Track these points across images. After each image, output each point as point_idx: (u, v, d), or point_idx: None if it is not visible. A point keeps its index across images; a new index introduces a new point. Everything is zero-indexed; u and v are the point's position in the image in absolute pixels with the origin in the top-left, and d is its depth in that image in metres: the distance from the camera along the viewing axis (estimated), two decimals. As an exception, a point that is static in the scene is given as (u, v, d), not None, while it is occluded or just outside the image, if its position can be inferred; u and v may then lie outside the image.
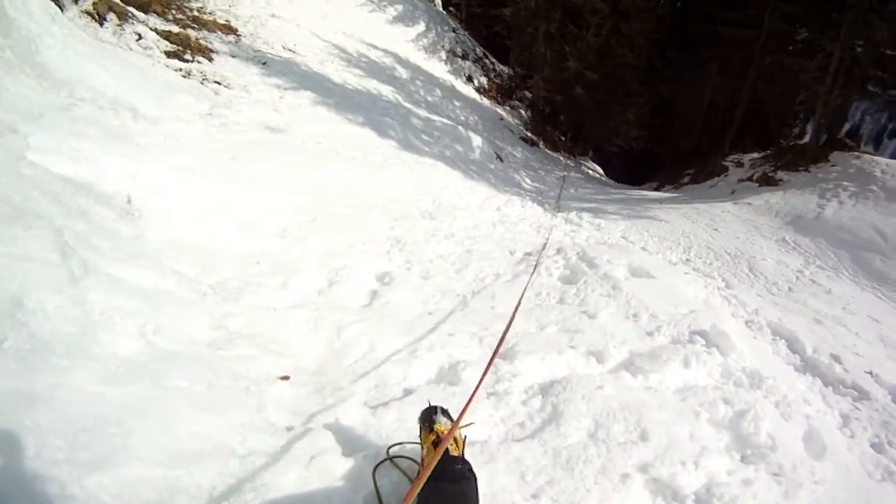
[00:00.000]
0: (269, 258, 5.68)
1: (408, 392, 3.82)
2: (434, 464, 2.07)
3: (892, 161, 13.77)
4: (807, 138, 18.04)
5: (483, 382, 3.83)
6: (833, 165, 14.46)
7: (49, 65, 7.16)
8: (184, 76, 9.68)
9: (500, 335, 4.03)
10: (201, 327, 3.96)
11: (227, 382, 3.35)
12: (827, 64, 16.44)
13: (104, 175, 5.57)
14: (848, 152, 15.14)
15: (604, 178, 24.71)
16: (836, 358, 6.10)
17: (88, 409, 2.59)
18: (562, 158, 22.68)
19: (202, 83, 9.84)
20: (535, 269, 6.81)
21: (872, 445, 4.71)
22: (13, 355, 2.67)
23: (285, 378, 3.66)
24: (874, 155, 15.07)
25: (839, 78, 16.22)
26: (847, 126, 33.67)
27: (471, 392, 2.83)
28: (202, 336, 3.86)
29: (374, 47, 19.78)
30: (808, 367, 5.93)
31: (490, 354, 3.28)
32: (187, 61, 10.23)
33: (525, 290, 5.82)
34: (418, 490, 1.94)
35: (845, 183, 12.98)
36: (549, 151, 22.94)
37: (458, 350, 4.46)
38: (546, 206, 12.94)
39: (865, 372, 5.97)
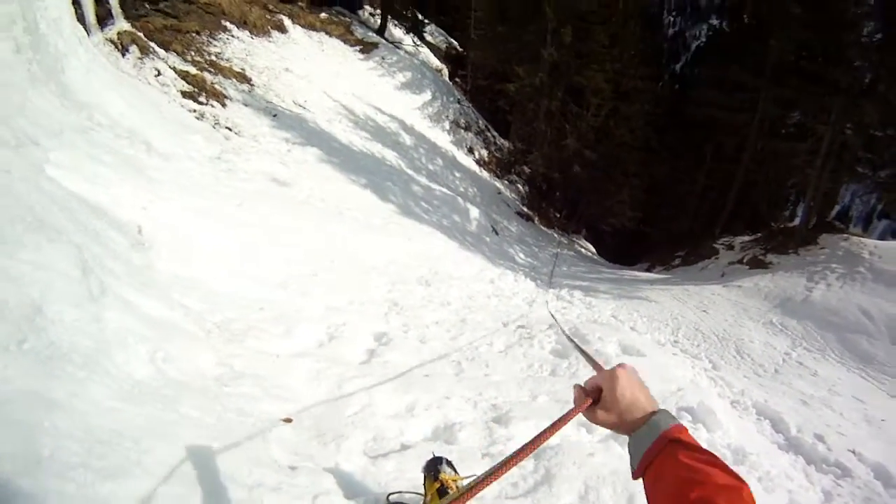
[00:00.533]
0: (271, 306, 5.70)
1: (405, 446, 3.83)
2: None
3: (880, 242, 14.24)
4: (797, 221, 18.47)
5: (478, 444, 3.88)
6: (822, 248, 14.88)
7: (72, 86, 7.28)
8: (197, 118, 9.84)
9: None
10: (208, 362, 3.96)
11: (233, 417, 3.34)
12: (818, 147, 16.97)
13: (117, 202, 5.61)
14: (837, 234, 15.60)
15: (596, 257, 25.03)
16: (820, 437, 6.26)
17: (104, 422, 2.58)
18: (556, 235, 22.99)
19: (214, 127, 10.00)
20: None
21: None
22: (33, 358, 2.66)
23: (288, 420, 3.66)
24: (863, 236, 15.48)
25: (829, 160, 16.72)
26: (837, 208, 34.36)
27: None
28: (209, 371, 3.86)
29: (381, 111, 20.22)
30: (791, 445, 6.05)
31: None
32: (201, 104, 10.41)
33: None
34: None
35: (833, 265, 13.32)
36: (543, 227, 23.30)
37: (453, 412, 4.48)
38: (539, 281, 13.10)
39: (849, 450, 6.12)
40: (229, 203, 7.63)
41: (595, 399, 1.28)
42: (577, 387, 1.35)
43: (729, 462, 4.54)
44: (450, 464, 3.05)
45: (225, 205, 7.48)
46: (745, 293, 13.61)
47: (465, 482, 2.98)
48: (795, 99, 18.41)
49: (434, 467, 2.97)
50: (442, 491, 2.78)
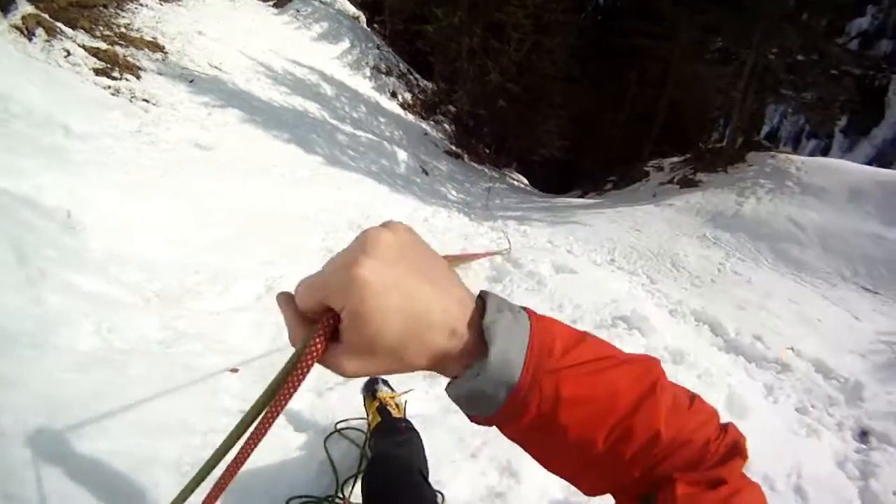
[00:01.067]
0: (207, 268, 5.88)
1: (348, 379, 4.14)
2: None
3: (807, 158, 14.86)
4: (725, 142, 19.10)
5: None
6: (750, 165, 15.49)
7: None
8: (113, 94, 9.73)
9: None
10: (151, 328, 4.20)
11: (181, 373, 3.61)
12: (741, 71, 17.49)
13: (42, 190, 5.66)
14: (764, 152, 16.22)
15: (529, 188, 25.41)
16: (758, 338, 6.75)
17: (59, 392, 2.84)
18: (486, 170, 23.25)
19: (131, 101, 9.91)
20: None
21: (797, 409, 5.32)
22: (-19, 346, 2.89)
23: (234, 371, 3.94)
24: (792, 154, 16.07)
25: (753, 83, 17.28)
26: (766, 129, 35.34)
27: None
28: (153, 335, 4.11)
29: (299, 64, 20.02)
30: (731, 347, 6.52)
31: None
32: (116, 79, 10.28)
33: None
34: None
35: (762, 181, 13.97)
36: (474, 164, 23.52)
37: (392, 345, 4.75)
38: (472, 216, 13.38)
39: (787, 348, 6.60)
40: (153, 174, 7.69)
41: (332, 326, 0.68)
42: (283, 297, 0.81)
43: (667, 362, 4.97)
44: (385, 382, 3.39)
45: (149, 177, 7.54)
46: (677, 211, 14.15)
47: (402, 398, 3.34)
48: (718, 25, 18.67)
49: (371, 387, 3.32)
50: (381, 409, 3.11)
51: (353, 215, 9.77)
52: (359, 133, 16.74)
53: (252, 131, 12.22)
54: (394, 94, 24.93)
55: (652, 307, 6.68)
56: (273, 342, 4.63)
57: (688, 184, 16.47)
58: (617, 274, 9.19)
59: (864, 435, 5.13)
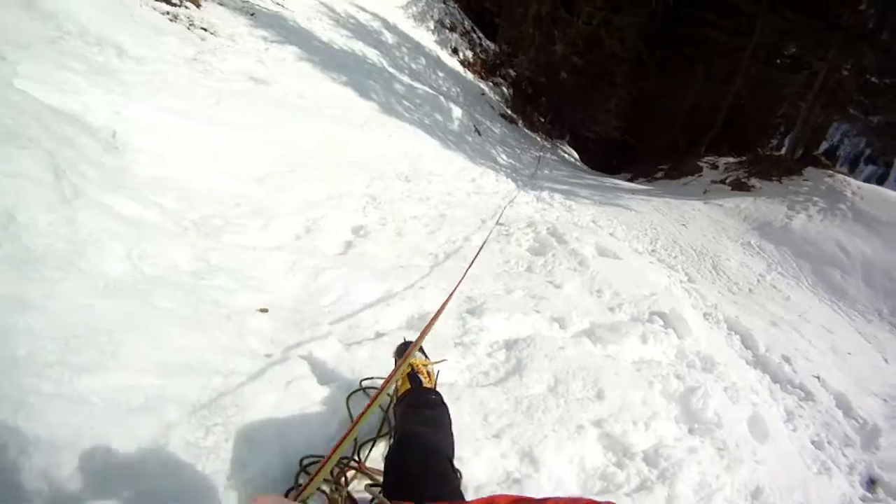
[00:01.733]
0: (248, 202, 5.77)
1: (379, 335, 4.00)
2: (397, 377, 2.27)
3: (864, 184, 14.19)
4: (783, 151, 18.36)
5: (451, 333, 4.03)
6: (805, 180, 14.89)
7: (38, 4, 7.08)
8: (170, 20, 9.61)
9: (467, 292, 4.22)
10: (184, 258, 4.07)
11: (209, 308, 3.49)
12: (811, 81, 16.78)
13: (89, 108, 5.64)
14: (822, 169, 15.55)
15: (579, 164, 24.94)
16: (787, 359, 6.55)
17: (80, 319, 2.71)
18: (539, 139, 22.81)
19: (189, 28, 9.79)
20: (492, 229, 7.03)
21: (813, 442, 5.18)
22: (7, 263, 2.77)
23: (264, 310, 3.81)
24: (848, 176, 15.38)
25: (822, 96, 16.55)
26: (825, 145, 34.20)
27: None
28: (185, 266, 3.99)
29: (363, 10, 19.69)
30: (759, 363, 6.36)
31: (453, 294, 3.45)
32: (175, 5, 10.16)
33: (485, 241, 6.04)
34: (380, 402, 2.12)
35: (815, 198, 13.42)
36: (527, 131, 23.10)
37: (428, 302, 4.62)
38: (520, 182, 13.12)
39: (813, 376, 6.43)
40: (206, 102, 7.63)
41: None
42: None
43: (697, 369, 4.76)
44: (420, 349, 3.16)
45: (202, 105, 7.47)
46: (725, 213, 13.77)
47: (435, 367, 3.15)
48: (793, 30, 17.83)
49: (403, 352, 3.08)
50: (413, 376, 2.88)
51: (402, 166, 9.59)
52: (416, 85, 16.45)
53: (309, 70, 12.04)
54: (455, 51, 24.44)
55: (689, 308, 6.41)
56: (305, 287, 4.49)
57: (740, 187, 15.90)
58: (657, 266, 8.96)
59: (872, 483, 4.99)
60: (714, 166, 19.02)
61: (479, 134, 17.09)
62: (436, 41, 23.49)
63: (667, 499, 3.11)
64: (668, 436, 3.68)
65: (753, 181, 15.97)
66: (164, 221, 4.45)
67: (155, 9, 9.64)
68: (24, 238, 3.00)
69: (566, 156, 24.95)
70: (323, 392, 3.11)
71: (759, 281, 9.87)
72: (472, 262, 4.72)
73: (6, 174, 3.30)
